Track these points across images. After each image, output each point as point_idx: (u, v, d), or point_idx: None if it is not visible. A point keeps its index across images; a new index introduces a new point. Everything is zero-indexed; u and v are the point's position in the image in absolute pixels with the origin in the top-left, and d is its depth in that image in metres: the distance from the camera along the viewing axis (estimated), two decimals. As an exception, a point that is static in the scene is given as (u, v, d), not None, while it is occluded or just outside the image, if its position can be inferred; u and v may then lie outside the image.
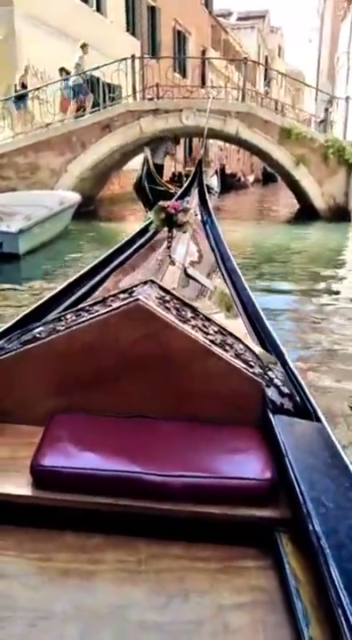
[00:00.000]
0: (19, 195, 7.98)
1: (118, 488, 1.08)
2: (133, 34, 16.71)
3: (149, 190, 9.95)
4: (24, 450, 1.19)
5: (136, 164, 15.53)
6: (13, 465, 1.17)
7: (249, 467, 1.12)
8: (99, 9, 14.40)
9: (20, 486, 1.10)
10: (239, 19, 39.13)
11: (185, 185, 4.97)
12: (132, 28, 16.61)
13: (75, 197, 8.47)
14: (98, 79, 11.57)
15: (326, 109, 14.01)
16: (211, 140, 22.18)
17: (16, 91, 10.58)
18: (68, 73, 11.20)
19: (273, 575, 0.97)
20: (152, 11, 18.19)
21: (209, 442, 1.20)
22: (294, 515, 1.00)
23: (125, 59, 10.99)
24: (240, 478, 1.08)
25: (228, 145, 28.15)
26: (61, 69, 11.37)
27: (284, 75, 16.71)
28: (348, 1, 18.71)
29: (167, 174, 13.34)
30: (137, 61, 11.33)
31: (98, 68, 10.73)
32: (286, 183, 13.66)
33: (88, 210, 11.81)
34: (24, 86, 10.65)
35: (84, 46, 10.92)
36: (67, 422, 1.26)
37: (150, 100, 11.44)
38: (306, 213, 11.51)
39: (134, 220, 11.21)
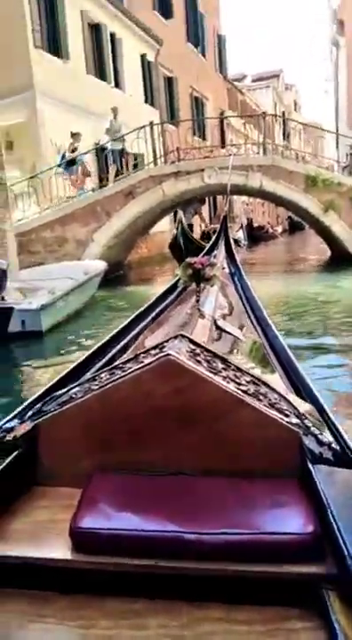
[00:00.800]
0: (44, 268, 7.92)
1: (158, 549, 1.05)
2: (152, 104, 17.36)
3: (185, 248, 10.11)
4: (63, 512, 1.17)
5: (161, 227, 15.78)
6: (53, 528, 1.16)
7: (290, 521, 1.08)
8: (117, 84, 15.04)
9: (59, 550, 1.09)
10: (253, 80, 40.69)
11: (212, 240, 5.09)
12: (150, 98, 17.28)
13: (100, 265, 8.35)
14: (121, 150, 11.83)
15: (350, 154, 13.82)
16: (234, 197, 22.45)
17: (64, 157, 10.89)
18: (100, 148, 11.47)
19: (321, 636, 0.94)
20: (169, 81, 18.97)
21: (247, 496, 1.17)
22: (341, 570, 0.95)
23: (144, 126, 11.22)
24: (281, 533, 1.04)
25: (252, 199, 28.51)
26: (96, 145, 11.72)
27: (303, 124, 16.78)
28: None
29: (197, 232, 13.64)
30: (156, 128, 11.53)
31: (118, 138, 10.96)
32: (316, 230, 13.35)
33: (117, 275, 11.80)
34: (74, 152, 10.97)
35: (114, 110, 11.40)
36: (104, 483, 1.24)
37: (172, 163, 11.56)
38: (339, 260, 11.08)
39: (162, 282, 11.02)
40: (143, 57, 16.77)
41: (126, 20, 15.20)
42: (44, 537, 1.15)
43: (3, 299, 5.85)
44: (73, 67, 12.57)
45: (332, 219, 10.51)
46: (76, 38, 12.72)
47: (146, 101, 16.86)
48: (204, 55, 22.54)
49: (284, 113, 40.18)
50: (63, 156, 11.03)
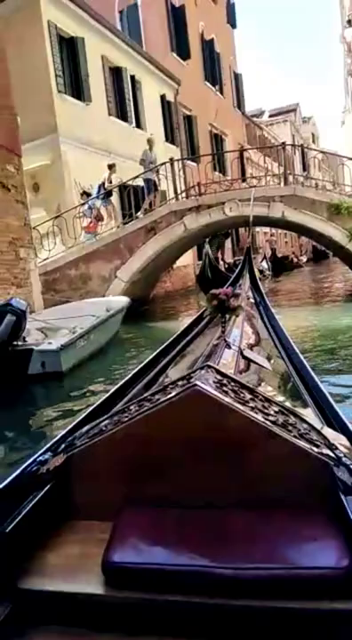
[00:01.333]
0: (67, 307, 7.87)
1: (189, 584, 1.05)
2: (173, 142, 17.68)
3: (212, 280, 10.06)
4: (95, 546, 1.17)
5: (184, 261, 15.80)
6: (85, 563, 1.15)
7: (323, 555, 1.05)
8: (138, 125, 15.37)
9: (92, 584, 1.08)
10: (271, 115, 41.42)
11: (236, 271, 5.10)
12: (170, 137, 17.62)
13: (123, 301, 8.27)
14: (143, 187, 11.98)
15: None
16: (257, 228, 22.45)
17: (104, 188, 11.02)
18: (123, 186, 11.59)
19: None
20: (188, 119, 19.35)
21: (278, 529, 1.14)
22: None
23: (164, 163, 11.33)
24: (314, 568, 1.02)
25: (274, 230, 28.51)
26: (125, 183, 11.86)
27: (323, 152, 16.72)
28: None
29: (222, 265, 13.79)
30: (176, 164, 11.63)
31: (138, 176, 11.08)
32: (341, 258, 13.10)
33: (142, 310, 11.74)
34: (111, 183, 11.09)
35: (150, 141, 11.70)
36: (135, 516, 1.24)
37: (193, 197, 11.60)
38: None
39: (186, 316, 10.93)
40: (163, 97, 17.19)
41: (146, 62, 15.66)
42: (76, 571, 1.14)
43: (24, 340, 5.76)
44: (95, 109, 12.92)
45: (358, 247, 10.27)
46: (97, 82, 13.12)
47: (166, 140, 17.19)
48: (221, 93, 23.04)
49: (302, 146, 40.65)
50: (99, 188, 11.14)
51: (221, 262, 17.44)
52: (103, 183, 11.12)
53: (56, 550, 1.22)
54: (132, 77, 15.11)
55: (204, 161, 15.47)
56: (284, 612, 1.00)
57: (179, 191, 11.73)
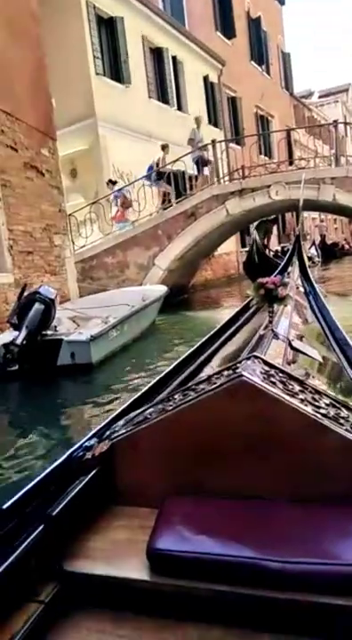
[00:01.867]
0: (102, 295, 7.58)
1: (235, 574, 1.04)
2: (216, 125, 17.04)
3: (260, 268, 9.55)
4: (140, 533, 1.18)
5: (226, 248, 15.25)
6: (131, 548, 1.16)
7: None
8: (180, 107, 14.87)
9: (137, 570, 1.09)
10: (321, 97, 39.64)
11: (285, 259, 5.01)
12: (213, 119, 16.98)
13: (160, 290, 7.90)
14: (183, 172, 11.52)
15: None
16: (305, 214, 21.52)
17: (156, 167, 10.72)
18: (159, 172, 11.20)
19: None
20: (233, 101, 18.63)
21: (326, 524, 1.11)
22: None
23: (206, 145, 10.81)
24: None
25: (324, 215, 27.32)
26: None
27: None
28: None
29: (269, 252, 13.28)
30: (218, 147, 11.07)
31: (178, 159, 10.61)
32: None
33: (181, 299, 11.34)
34: (159, 165, 10.78)
35: (198, 119, 11.42)
36: (179, 504, 1.23)
37: (237, 180, 11.03)
38: None
39: (228, 305, 10.45)
40: (206, 78, 16.57)
41: (188, 42, 15.09)
42: (122, 557, 1.15)
43: (55, 329, 5.49)
44: (134, 92, 12.51)
45: None
46: (137, 63, 12.69)
47: (209, 122, 16.54)
48: (268, 73, 22.09)
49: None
50: (151, 168, 10.80)
51: (276, 248, 16.87)
52: (157, 164, 10.73)
53: (101, 535, 1.22)
54: (174, 58, 14.58)
55: (248, 143, 14.79)
56: (329, 607, 0.97)
57: (221, 175, 11.18)
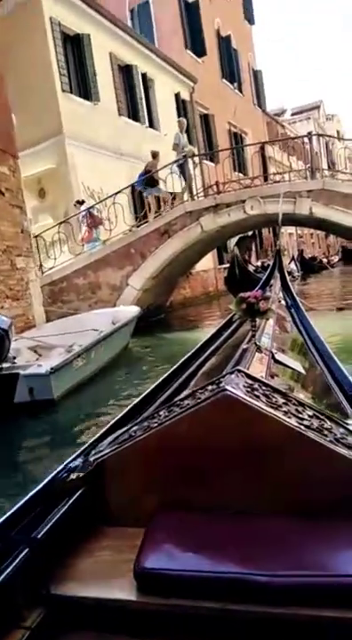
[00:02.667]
0: (68, 321, 7.04)
1: (221, 590, 1.03)
2: (189, 142, 16.76)
3: (242, 283, 9.26)
4: (128, 552, 1.16)
5: (203, 265, 14.89)
6: (118, 569, 1.14)
7: None
8: (151, 124, 14.61)
9: (125, 591, 1.07)
10: (293, 114, 40.26)
11: (266, 274, 5.06)
12: (187, 136, 16.73)
13: (132, 311, 7.44)
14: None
15: None
16: (282, 229, 21.39)
17: (146, 178, 10.42)
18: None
19: None
20: (205, 118, 18.49)
21: (314, 536, 1.11)
22: None
23: (178, 160, 10.50)
24: (350, 576, 0.99)
25: (300, 230, 27.35)
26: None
27: None
28: None
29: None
30: (191, 162, 10.76)
31: (148, 174, 10.26)
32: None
33: (158, 319, 10.90)
34: (148, 172, 10.52)
35: (181, 122, 11.39)
36: (167, 522, 1.22)
37: (211, 195, 10.70)
38: None
39: (208, 323, 10.03)
40: (177, 95, 16.40)
41: (158, 59, 14.91)
42: (109, 577, 1.13)
43: (13, 361, 4.96)
44: (104, 109, 12.18)
45: None
46: (106, 80, 12.40)
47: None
48: (240, 91, 22.13)
49: (327, 144, 39.22)
50: (142, 175, 10.47)
51: (256, 264, 16.69)
52: (148, 171, 10.45)
53: (89, 556, 1.21)
54: (144, 75, 14.36)
55: (222, 160, 14.58)
56: (320, 620, 0.97)
57: (195, 191, 10.84)
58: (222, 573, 1.03)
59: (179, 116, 16.32)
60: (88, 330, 5.96)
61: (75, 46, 11.65)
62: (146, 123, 14.20)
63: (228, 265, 12.85)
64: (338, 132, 46.58)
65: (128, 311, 7.43)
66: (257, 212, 9.83)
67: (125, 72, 13.52)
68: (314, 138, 11.46)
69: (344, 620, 0.95)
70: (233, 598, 1.00)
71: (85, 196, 10.91)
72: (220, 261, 17.14)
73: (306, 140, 17.45)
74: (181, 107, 16.59)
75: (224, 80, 20.52)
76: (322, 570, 1.01)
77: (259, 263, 17.42)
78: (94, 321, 6.47)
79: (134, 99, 13.76)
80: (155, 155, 10.73)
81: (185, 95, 16.91)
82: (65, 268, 9.66)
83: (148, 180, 10.45)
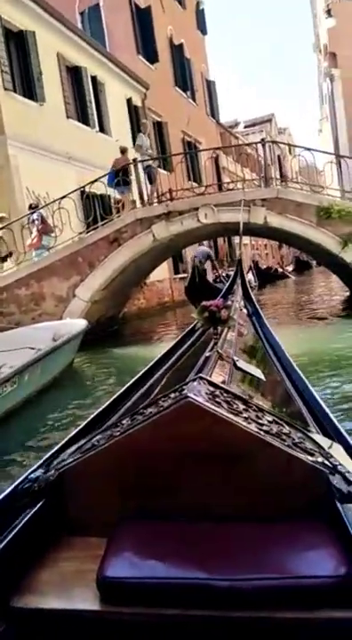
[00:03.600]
0: (6, 335, 6.33)
1: (184, 597, 1.03)
2: (142, 149, 16.36)
3: (204, 292, 8.87)
4: (91, 562, 1.15)
5: (158, 275, 14.42)
6: (80, 579, 1.13)
7: (321, 563, 1.04)
8: (102, 129, 14.07)
9: (87, 601, 1.06)
10: (246, 126, 40.79)
11: (227, 283, 5.18)
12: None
13: (78, 325, 6.82)
14: (109, 196, 10.62)
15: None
16: (235, 239, 21.27)
17: (117, 175, 9.88)
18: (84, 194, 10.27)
19: None
20: (158, 125, 18.13)
21: (276, 540, 1.13)
22: None
23: (127, 164, 9.99)
24: (313, 577, 1.00)
25: (254, 241, 27.43)
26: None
27: (309, 149, 15.41)
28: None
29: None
30: (141, 168, 10.27)
31: (97, 180, 9.72)
32: (331, 269, 11.90)
33: (110, 332, 10.30)
34: (126, 171, 10.03)
35: (144, 125, 11.35)
36: (130, 530, 1.22)
37: (163, 202, 10.25)
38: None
39: (162, 337, 9.52)
40: (129, 101, 15.95)
41: (108, 62, 14.42)
42: (72, 588, 1.11)
43: None
44: (50, 110, 11.54)
45: (352, 254, 8.99)
46: (52, 81, 11.76)
47: (134, 146, 15.87)
48: (194, 100, 21.97)
49: (279, 157, 39.89)
50: (113, 177, 9.88)
51: (215, 274, 16.38)
52: (123, 169, 9.95)
53: (51, 567, 1.19)
54: (94, 78, 13.83)
55: (175, 167, 14.21)
56: (282, 621, 0.98)
57: (146, 199, 10.35)
58: (184, 579, 1.03)
59: (131, 121, 15.90)
60: (23, 348, 5.30)
61: (18, 43, 10.97)
62: (96, 127, 13.65)
63: (184, 275, 12.48)
64: (289, 145, 47.71)
65: (74, 324, 6.81)
66: (211, 220, 9.45)
67: (74, 74, 12.94)
68: (267, 149, 11.16)
69: (306, 621, 0.97)
70: (196, 604, 1.01)
71: (31, 200, 10.21)
72: (176, 271, 16.73)
73: (259, 149, 17.55)
74: (134, 112, 16.15)
75: (177, 88, 20.28)
76: (283, 572, 1.02)
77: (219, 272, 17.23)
78: (32, 337, 5.81)
79: (84, 102, 13.19)
80: (123, 150, 10.41)
81: (137, 101, 16.49)
82: (5, 278, 8.92)
83: (122, 177, 9.89)
